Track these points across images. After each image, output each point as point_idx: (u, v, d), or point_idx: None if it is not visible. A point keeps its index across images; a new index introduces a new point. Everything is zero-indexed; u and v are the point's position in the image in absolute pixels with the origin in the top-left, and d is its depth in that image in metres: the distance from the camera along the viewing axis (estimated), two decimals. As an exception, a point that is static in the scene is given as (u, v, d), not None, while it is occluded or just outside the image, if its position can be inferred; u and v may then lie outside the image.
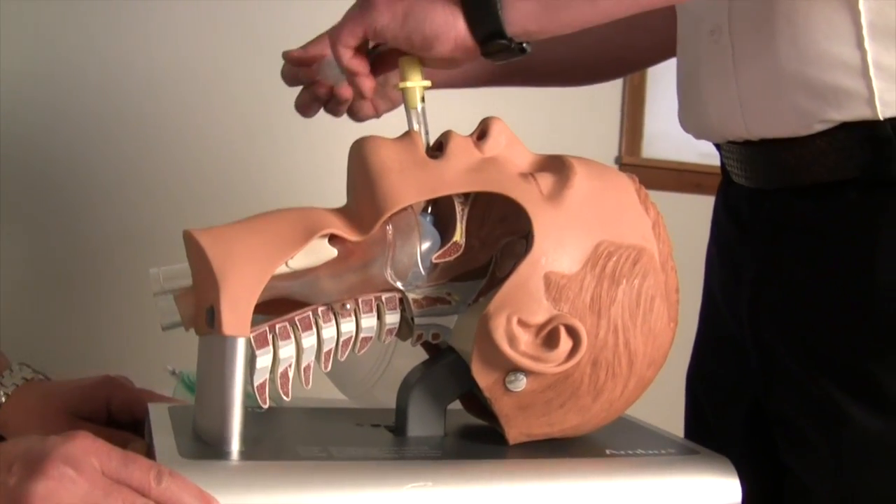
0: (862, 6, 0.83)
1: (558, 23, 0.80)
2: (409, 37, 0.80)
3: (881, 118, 0.84)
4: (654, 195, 0.87)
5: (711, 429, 1.07)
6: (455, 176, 0.81)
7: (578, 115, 2.12)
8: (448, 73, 0.92)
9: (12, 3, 1.71)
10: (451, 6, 0.79)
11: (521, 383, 0.79)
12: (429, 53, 0.81)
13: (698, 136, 1.04)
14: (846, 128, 0.86)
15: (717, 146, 1.04)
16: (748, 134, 0.93)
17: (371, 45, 0.85)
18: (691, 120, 1.03)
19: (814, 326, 0.90)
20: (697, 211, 1.26)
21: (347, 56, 0.83)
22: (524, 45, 0.81)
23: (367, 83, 0.85)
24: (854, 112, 0.85)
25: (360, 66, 0.84)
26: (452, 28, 0.79)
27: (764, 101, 0.91)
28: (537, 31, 0.80)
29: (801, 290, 0.91)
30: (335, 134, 1.12)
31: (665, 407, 1.14)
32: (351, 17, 0.82)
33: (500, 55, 0.81)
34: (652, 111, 2.29)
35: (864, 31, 0.83)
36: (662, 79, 2.06)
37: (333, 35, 0.83)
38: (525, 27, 0.79)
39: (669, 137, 2.22)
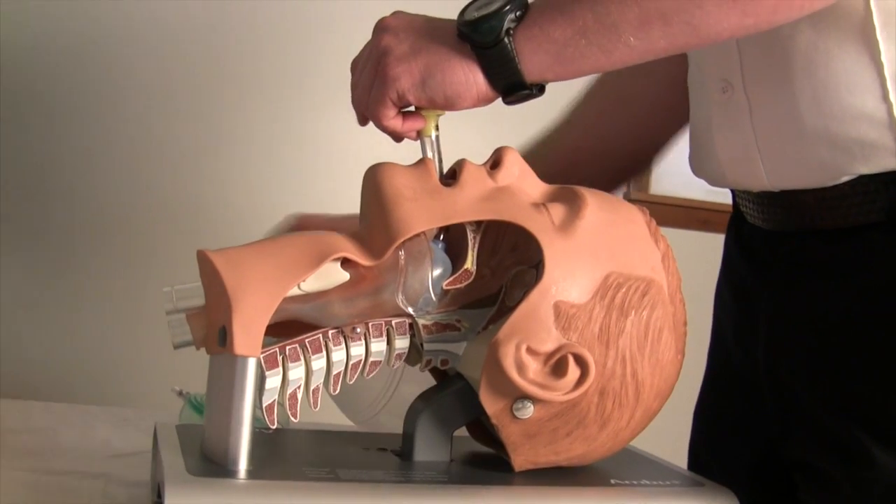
0: (884, 58, 0.82)
1: (574, 71, 0.80)
2: (431, 98, 0.81)
3: None
4: (662, 231, 0.87)
5: (718, 464, 1.05)
6: (467, 204, 0.82)
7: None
8: None
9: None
10: (467, 62, 0.80)
11: (528, 411, 0.80)
12: (452, 109, 0.82)
13: (713, 184, 1.02)
14: (871, 174, 0.85)
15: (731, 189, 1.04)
16: (770, 186, 0.92)
17: None
18: (704, 169, 1.02)
19: (837, 368, 0.88)
20: (705, 247, 1.27)
21: (398, 126, 0.84)
22: (543, 85, 0.81)
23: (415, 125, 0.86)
24: (881, 164, 0.84)
25: (411, 125, 0.85)
26: (473, 85, 0.80)
27: (787, 157, 0.89)
28: (553, 78, 0.81)
29: (823, 331, 0.89)
30: (349, 159, 1.13)
31: (670, 440, 1.14)
32: (377, 94, 0.82)
33: (520, 101, 0.82)
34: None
35: (889, 84, 0.82)
36: (671, 116, 2.05)
37: (373, 117, 0.83)
38: (542, 76, 0.80)
39: (678, 174, 2.22)
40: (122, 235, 1.82)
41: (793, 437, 0.94)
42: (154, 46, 1.83)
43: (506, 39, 0.78)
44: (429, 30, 0.82)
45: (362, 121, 0.86)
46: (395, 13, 0.84)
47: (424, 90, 0.80)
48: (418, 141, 0.86)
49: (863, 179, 0.85)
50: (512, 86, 0.80)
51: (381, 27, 0.83)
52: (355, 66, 0.86)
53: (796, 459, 0.94)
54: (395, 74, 0.80)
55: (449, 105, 0.81)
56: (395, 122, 0.83)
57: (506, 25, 0.78)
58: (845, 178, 0.86)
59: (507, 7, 0.78)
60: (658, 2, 0.75)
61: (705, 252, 1.22)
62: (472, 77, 0.80)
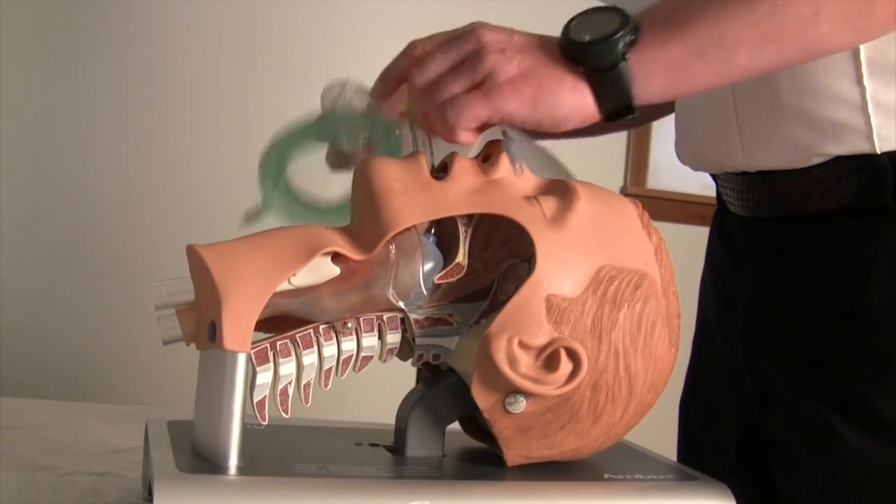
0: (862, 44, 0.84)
1: (684, 93, 0.80)
2: (539, 122, 0.78)
3: (878, 152, 0.85)
4: (658, 225, 0.87)
5: (705, 454, 1.07)
6: (459, 197, 0.81)
7: (584, 145, 2.12)
8: None
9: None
10: (579, 84, 0.77)
11: (520, 405, 0.79)
12: (555, 131, 0.80)
13: (695, 167, 1.05)
14: (843, 158, 0.87)
15: (714, 176, 1.05)
16: (746, 166, 0.94)
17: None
18: (688, 152, 1.04)
19: (808, 351, 0.91)
20: (701, 241, 1.27)
21: (467, 139, 0.80)
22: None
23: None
24: (852, 146, 0.86)
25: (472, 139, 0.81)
26: (582, 108, 0.78)
27: (764, 135, 0.92)
28: (662, 100, 0.79)
29: (795, 314, 0.92)
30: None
31: (664, 434, 1.14)
32: (473, 99, 0.78)
33: (621, 122, 0.80)
34: (657, 142, 2.30)
35: (864, 68, 0.85)
36: (668, 110, 2.05)
37: (452, 112, 0.78)
38: (652, 98, 0.79)
39: (674, 169, 2.23)
40: (119, 234, 1.82)
41: (768, 418, 0.96)
42: (152, 47, 1.83)
43: (622, 63, 0.76)
44: (534, 47, 0.79)
45: (442, 129, 0.80)
46: (484, 25, 0.80)
47: (534, 113, 0.78)
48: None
49: (835, 165, 0.88)
50: (620, 109, 0.79)
51: (481, 42, 0.79)
52: (423, 59, 0.81)
53: (771, 440, 0.96)
54: (506, 96, 0.77)
55: (555, 128, 0.79)
56: (469, 136, 0.80)
57: (622, 49, 0.76)
58: (817, 160, 0.88)
59: (623, 30, 0.76)
60: (777, 24, 0.75)
61: (701, 246, 1.22)
62: (581, 101, 0.78)
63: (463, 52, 0.79)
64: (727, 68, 0.77)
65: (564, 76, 0.78)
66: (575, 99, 0.78)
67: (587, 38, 0.77)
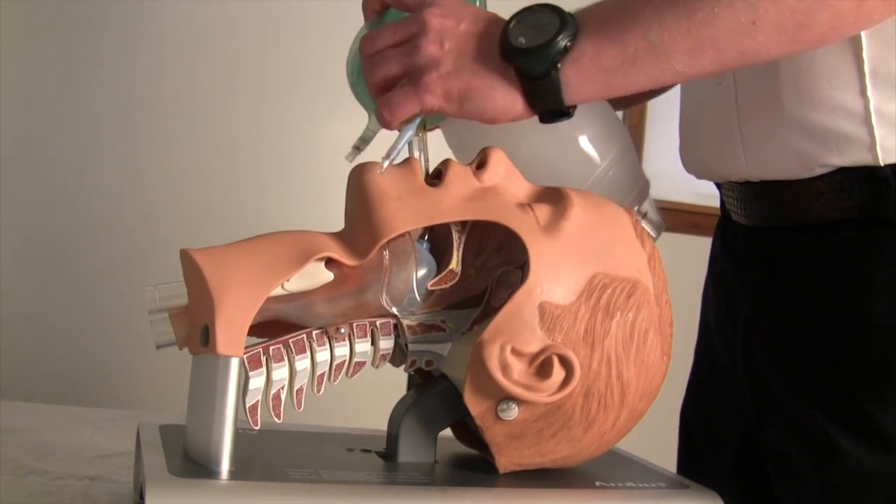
0: (865, 55, 0.84)
1: (615, 94, 0.79)
2: (465, 116, 0.79)
3: (882, 164, 0.85)
4: (649, 233, 0.88)
5: (704, 462, 1.07)
6: (453, 204, 0.81)
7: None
8: None
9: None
10: (510, 89, 0.78)
11: (512, 412, 0.79)
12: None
13: (699, 176, 1.05)
14: (846, 169, 0.87)
15: (717, 185, 1.05)
16: (749, 175, 0.94)
17: None
18: (693, 160, 1.04)
19: (808, 361, 0.91)
20: (694, 251, 1.27)
21: (395, 126, 0.82)
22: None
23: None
24: (855, 157, 0.86)
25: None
26: (512, 110, 0.79)
27: (766, 145, 0.92)
28: (593, 101, 0.80)
29: (796, 324, 0.92)
30: (336, 158, 1.13)
31: (658, 441, 1.14)
32: (405, 98, 0.79)
33: (555, 122, 0.81)
34: (650, 152, 2.30)
35: (867, 80, 0.84)
36: (661, 119, 2.06)
37: (387, 109, 0.80)
38: (583, 100, 0.79)
39: (667, 178, 2.23)
40: (117, 237, 1.82)
41: (767, 427, 0.95)
42: (154, 48, 1.83)
43: (553, 73, 0.77)
44: (475, 40, 0.79)
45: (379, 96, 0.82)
46: (437, 5, 0.81)
47: (461, 111, 0.79)
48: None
49: (837, 176, 0.87)
50: (552, 112, 0.79)
51: (426, 26, 0.80)
52: (372, 43, 0.82)
53: (769, 450, 0.96)
54: (433, 92, 0.78)
55: (484, 123, 0.80)
56: (396, 123, 0.82)
57: (555, 58, 0.76)
58: (820, 170, 0.88)
59: (559, 38, 0.76)
60: (712, 32, 0.74)
61: (693, 255, 1.22)
62: (511, 104, 0.78)
63: (409, 32, 0.80)
64: (662, 73, 0.77)
65: (496, 79, 0.78)
66: (504, 102, 0.78)
67: (522, 42, 0.77)
